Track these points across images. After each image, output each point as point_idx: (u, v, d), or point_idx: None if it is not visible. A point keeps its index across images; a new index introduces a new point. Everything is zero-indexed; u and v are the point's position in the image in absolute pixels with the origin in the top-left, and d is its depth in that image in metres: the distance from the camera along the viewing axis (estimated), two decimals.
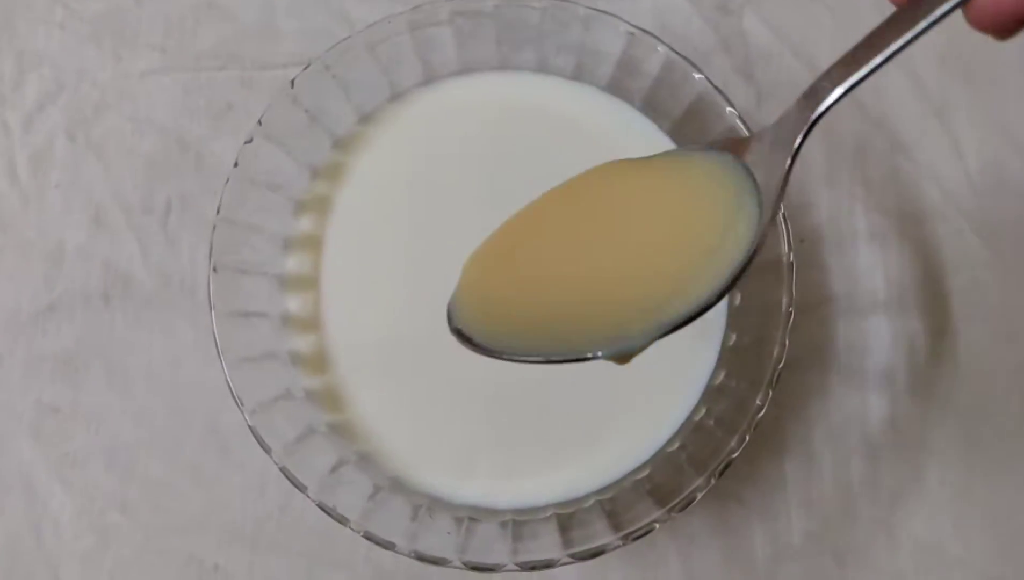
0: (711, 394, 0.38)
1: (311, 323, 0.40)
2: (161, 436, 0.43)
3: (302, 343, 0.40)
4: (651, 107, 0.41)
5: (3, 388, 0.43)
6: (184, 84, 0.46)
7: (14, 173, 0.45)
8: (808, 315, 0.42)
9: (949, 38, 0.46)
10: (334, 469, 0.37)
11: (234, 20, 0.47)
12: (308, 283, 0.40)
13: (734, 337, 0.39)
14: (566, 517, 0.37)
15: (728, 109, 0.37)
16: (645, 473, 0.38)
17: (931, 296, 0.43)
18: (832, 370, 0.42)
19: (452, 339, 0.38)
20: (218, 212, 0.37)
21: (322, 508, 0.34)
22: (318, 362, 0.39)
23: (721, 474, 0.34)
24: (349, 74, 0.39)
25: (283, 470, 0.35)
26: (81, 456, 0.43)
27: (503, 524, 0.36)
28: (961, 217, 0.44)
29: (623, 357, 0.28)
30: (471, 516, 0.37)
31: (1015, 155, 0.44)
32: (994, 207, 0.44)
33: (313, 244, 0.41)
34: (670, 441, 0.38)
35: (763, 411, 0.35)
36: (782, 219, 0.37)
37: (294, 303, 0.40)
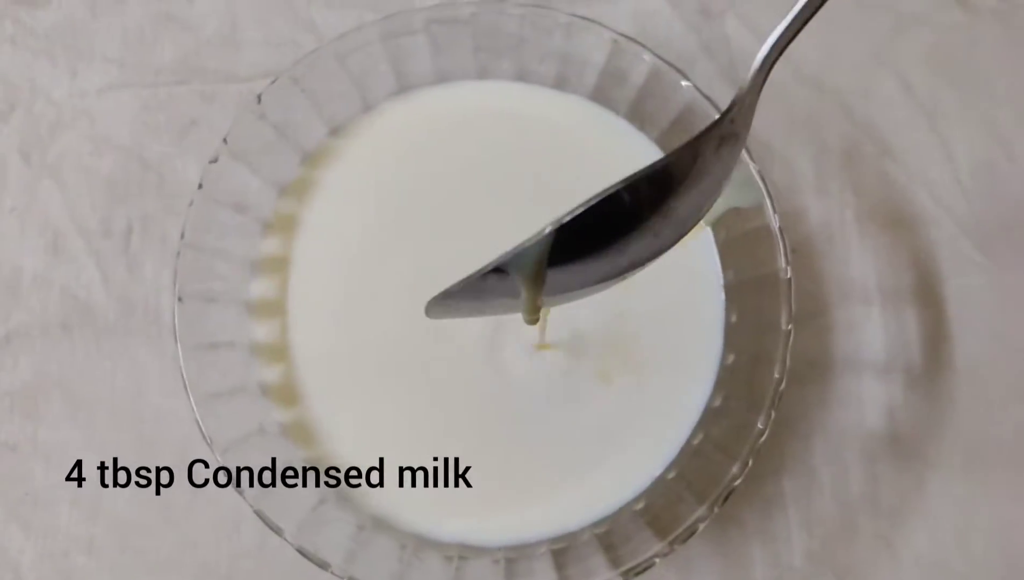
0: (709, 418, 0.37)
1: (279, 352, 0.38)
2: (127, 472, 0.40)
3: (271, 374, 0.37)
4: (637, 116, 0.39)
5: None
6: (144, 100, 0.44)
7: None
8: (802, 328, 0.41)
9: (936, 41, 0.45)
10: (314, 508, 0.34)
11: (195, 31, 0.45)
12: (275, 308, 0.38)
13: (731, 357, 0.38)
14: (561, 552, 0.35)
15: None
16: (643, 504, 0.36)
17: (926, 304, 0.42)
18: (829, 384, 0.41)
19: (433, 363, 0.37)
20: (182, 237, 0.35)
21: (302, 553, 0.32)
22: (289, 394, 0.37)
23: (724, 502, 0.33)
24: (319, 87, 0.38)
25: (258, 513, 0.32)
26: (42, 496, 0.40)
27: (495, 562, 0.35)
28: (953, 222, 0.43)
29: (531, 288, 0.26)
30: (461, 555, 0.35)
31: (1005, 158, 0.43)
32: (986, 211, 0.43)
33: (280, 266, 0.39)
34: (668, 469, 0.37)
35: (764, 436, 0.33)
36: (779, 234, 0.35)
37: (261, 331, 0.38)
